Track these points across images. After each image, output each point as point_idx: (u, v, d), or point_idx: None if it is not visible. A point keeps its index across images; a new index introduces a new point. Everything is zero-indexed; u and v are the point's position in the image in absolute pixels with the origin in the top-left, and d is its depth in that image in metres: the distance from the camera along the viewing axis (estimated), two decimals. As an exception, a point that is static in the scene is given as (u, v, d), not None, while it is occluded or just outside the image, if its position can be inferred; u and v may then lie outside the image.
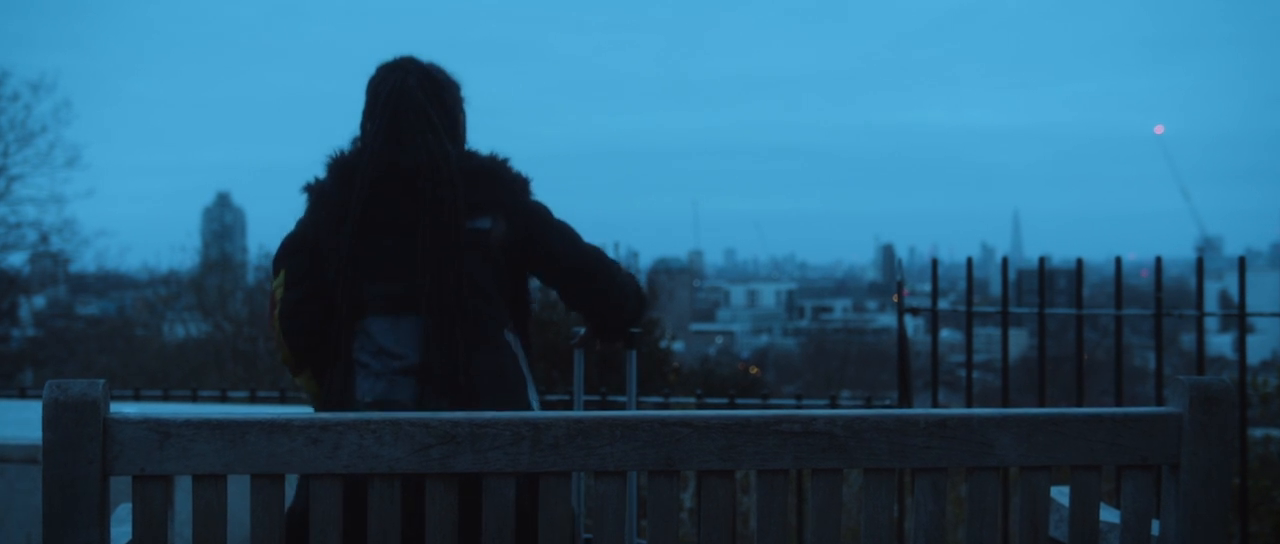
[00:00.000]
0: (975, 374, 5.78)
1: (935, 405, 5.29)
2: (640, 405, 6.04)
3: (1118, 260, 4.90)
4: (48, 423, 1.96)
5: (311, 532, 2.05)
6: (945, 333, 24.89)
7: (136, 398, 7.12)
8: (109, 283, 28.97)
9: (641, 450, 2.06)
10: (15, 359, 19.47)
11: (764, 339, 63.34)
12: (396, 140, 2.82)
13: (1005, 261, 5.20)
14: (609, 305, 2.99)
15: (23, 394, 7.24)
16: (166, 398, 7.25)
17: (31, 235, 20.53)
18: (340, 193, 2.82)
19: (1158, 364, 4.93)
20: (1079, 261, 4.98)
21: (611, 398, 6.11)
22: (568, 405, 5.93)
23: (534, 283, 3.02)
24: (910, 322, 5.33)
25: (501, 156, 2.90)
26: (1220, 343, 27.39)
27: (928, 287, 8.54)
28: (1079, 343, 4.99)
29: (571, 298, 2.97)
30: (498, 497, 2.08)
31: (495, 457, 2.05)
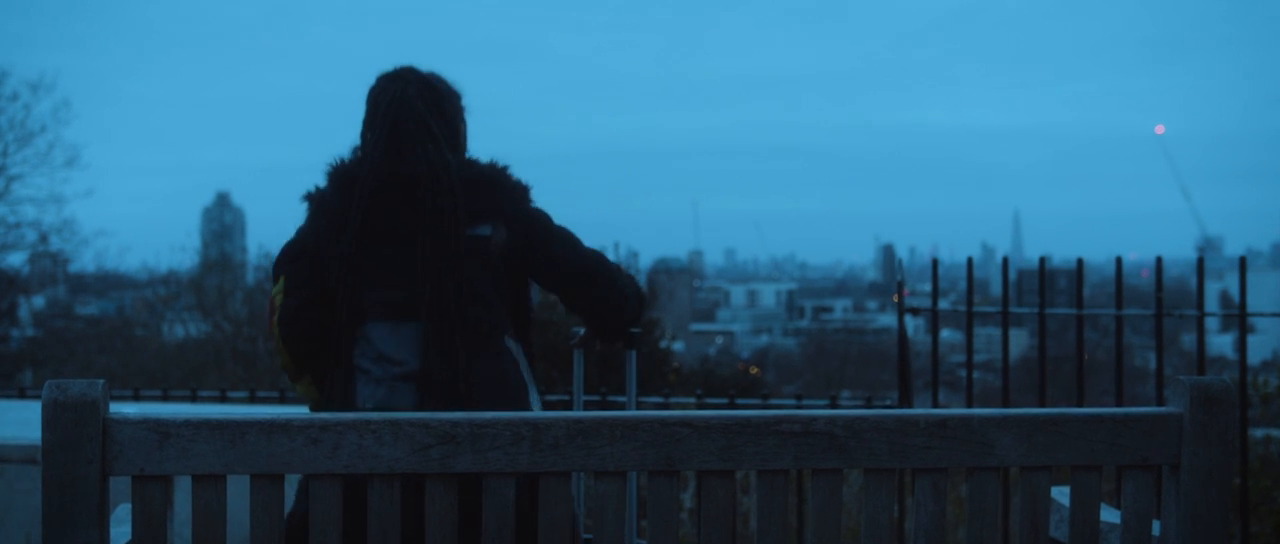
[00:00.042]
0: (975, 374, 5.77)
1: (935, 405, 5.29)
2: (640, 406, 6.04)
3: (1118, 260, 4.89)
4: (47, 423, 1.95)
5: (311, 532, 2.05)
6: (945, 333, 24.86)
7: (136, 398, 7.11)
8: (108, 283, 28.98)
9: (641, 450, 2.06)
10: (15, 359, 19.43)
11: (764, 339, 63.40)
12: (396, 150, 2.83)
13: (1005, 262, 5.19)
14: (609, 308, 3.00)
15: (22, 394, 7.24)
16: (166, 398, 7.24)
17: (31, 235, 20.59)
18: (340, 201, 2.83)
19: (1158, 364, 4.93)
20: (1079, 262, 4.98)
21: (611, 398, 6.11)
22: (568, 406, 5.92)
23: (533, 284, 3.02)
24: (910, 322, 5.33)
25: (501, 164, 2.91)
26: (1221, 343, 27.39)
27: (928, 287, 8.54)
28: (1079, 343, 4.99)
29: (572, 301, 2.99)
30: (498, 497, 2.07)
31: (495, 457, 2.05)
